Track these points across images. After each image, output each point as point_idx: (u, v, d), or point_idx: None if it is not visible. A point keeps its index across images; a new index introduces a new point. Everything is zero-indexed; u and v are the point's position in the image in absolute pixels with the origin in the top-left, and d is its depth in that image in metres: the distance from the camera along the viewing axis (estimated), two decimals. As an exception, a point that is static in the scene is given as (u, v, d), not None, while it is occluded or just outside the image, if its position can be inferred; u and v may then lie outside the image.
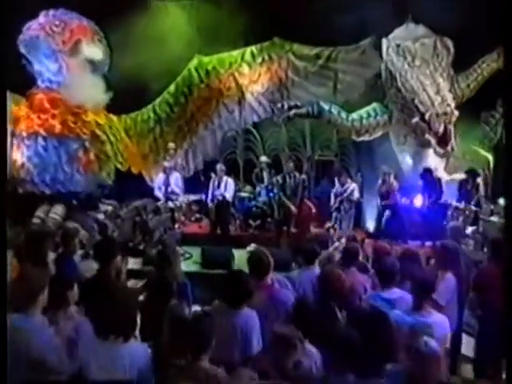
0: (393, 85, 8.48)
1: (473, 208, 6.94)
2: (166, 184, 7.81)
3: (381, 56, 8.28)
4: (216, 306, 3.31)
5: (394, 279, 3.69)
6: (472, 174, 7.72)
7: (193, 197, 6.98)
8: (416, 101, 7.71)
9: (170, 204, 6.80)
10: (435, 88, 7.58)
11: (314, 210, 7.75)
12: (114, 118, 8.13)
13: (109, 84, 7.56)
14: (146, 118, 8.54)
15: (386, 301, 3.56)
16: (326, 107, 8.50)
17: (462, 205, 7.16)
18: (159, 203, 6.84)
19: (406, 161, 8.73)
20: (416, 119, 7.72)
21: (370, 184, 8.75)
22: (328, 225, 6.92)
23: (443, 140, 7.23)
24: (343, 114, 8.60)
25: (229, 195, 7.82)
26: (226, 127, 8.97)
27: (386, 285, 3.65)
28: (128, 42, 7.41)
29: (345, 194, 7.61)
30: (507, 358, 2.87)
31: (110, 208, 7.21)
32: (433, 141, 7.28)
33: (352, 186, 7.73)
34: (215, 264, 6.66)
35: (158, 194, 7.89)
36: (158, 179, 8.07)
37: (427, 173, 7.95)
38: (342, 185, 7.61)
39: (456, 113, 7.29)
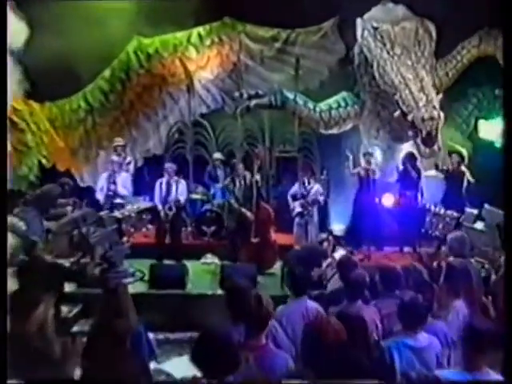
0: (367, 72, 8.06)
1: (454, 214, 6.31)
2: (109, 187, 7.29)
3: (355, 38, 7.93)
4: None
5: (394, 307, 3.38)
6: (456, 156, 7.43)
7: (145, 204, 6.05)
8: (397, 97, 7.28)
9: (117, 213, 5.79)
10: (419, 84, 7.12)
11: (272, 214, 7.20)
12: (36, 105, 7.66)
13: (29, 68, 7.20)
14: (75, 108, 8.21)
15: (413, 349, 3.12)
16: (291, 96, 8.05)
17: (441, 210, 6.37)
18: (102, 213, 5.80)
19: (376, 156, 8.39)
20: (398, 113, 7.30)
21: (336, 182, 8.51)
22: (322, 236, 6.20)
23: (429, 140, 6.82)
24: (310, 105, 8.23)
25: (183, 199, 7.39)
26: (171, 119, 8.70)
27: (410, 328, 3.19)
28: (53, 21, 7.11)
29: (309, 197, 7.23)
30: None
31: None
32: (417, 140, 6.75)
33: (316, 187, 7.39)
34: (166, 282, 6.32)
35: (100, 197, 7.33)
36: (100, 179, 7.45)
37: (410, 158, 7.58)
38: (304, 185, 7.26)
39: (442, 117, 6.88)
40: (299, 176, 7.51)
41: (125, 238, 5.30)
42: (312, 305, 3.64)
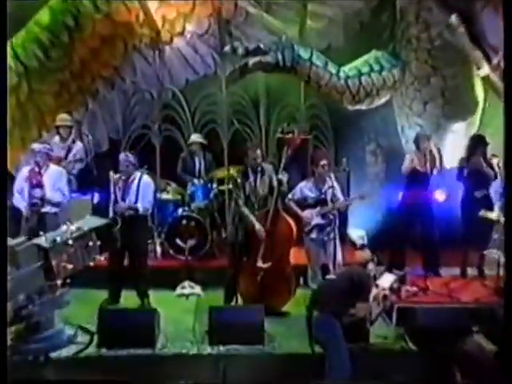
0: (418, 21, 7.07)
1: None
2: (32, 191, 5.99)
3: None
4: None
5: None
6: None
7: (92, 221, 4.34)
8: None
9: (41, 240, 4.10)
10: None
11: (294, 230, 6.00)
12: None
13: None
14: (0, 68, 7.26)
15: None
16: (305, 55, 6.99)
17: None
18: (15, 241, 4.11)
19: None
20: (486, 70, 6.49)
21: (357, 177, 7.72)
22: (365, 253, 5.77)
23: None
24: (331, 68, 7.16)
25: (148, 205, 6.15)
26: (142, 87, 7.90)
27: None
28: None
29: (331, 200, 6.00)
30: None
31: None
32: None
33: (333, 184, 6.15)
34: (125, 338, 5.09)
35: (21, 206, 6.09)
36: (19, 178, 6.23)
37: (479, 144, 6.55)
38: (321, 183, 6.03)
39: None
40: (315, 168, 6.13)
41: (58, 281, 4.02)
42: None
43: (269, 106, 8.04)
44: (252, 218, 5.86)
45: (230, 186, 6.24)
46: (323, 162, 6.04)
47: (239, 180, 5.91)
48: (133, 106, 7.94)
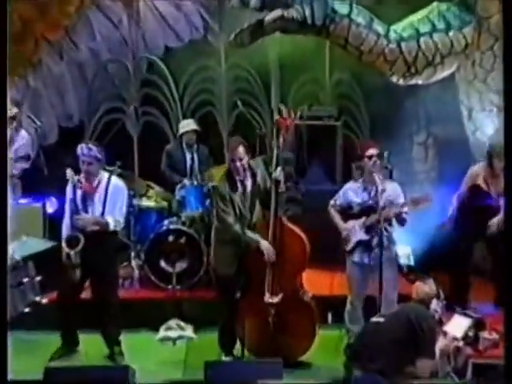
0: None
1: None
2: None
3: None
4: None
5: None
6: None
7: (32, 246, 5.17)
8: None
9: None
10: None
11: (308, 249, 5.78)
12: None
13: None
14: None
15: None
16: (343, 9, 6.66)
17: None
18: None
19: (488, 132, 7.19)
20: None
21: (401, 176, 7.30)
22: (426, 283, 5.04)
23: None
24: (378, 26, 6.84)
25: (120, 217, 5.82)
26: (106, 56, 7.94)
27: None
28: None
29: (381, 207, 5.69)
30: None
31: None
32: None
33: (391, 186, 5.90)
34: None
35: None
36: None
37: None
38: (366, 186, 5.85)
39: None
40: (363, 164, 5.91)
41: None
42: None
43: (283, 82, 8.02)
44: (252, 236, 5.59)
45: (217, 200, 6.00)
46: (371, 152, 5.71)
47: (223, 190, 5.64)
48: (92, 82, 7.85)
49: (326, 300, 6.20)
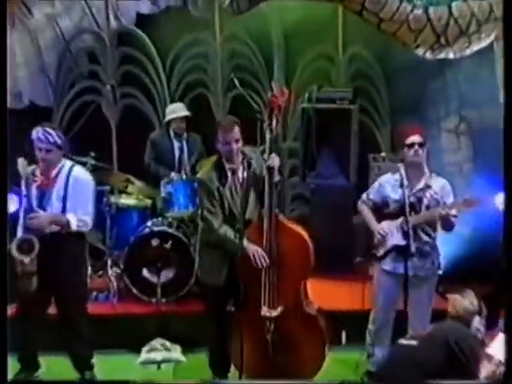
0: None
1: None
2: None
3: None
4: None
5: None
6: None
7: None
8: None
9: None
10: None
11: (311, 247, 5.65)
12: None
13: None
14: None
15: None
16: None
17: None
18: None
19: None
20: None
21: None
22: (467, 297, 4.95)
23: None
24: None
25: (85, 216, 5.67)
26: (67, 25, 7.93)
27: None
28: None
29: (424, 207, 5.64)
30: None
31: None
32: None
33: (438, 183, 5.78)
34: None
35: None
36: None
37: None
38: (410, 180, 5.76)
39: None
40: (402, 153, 5.75)
41: None
42: None
43: (288, 58, 7.96)
44: (234, 239, 5.46)
45: (200, 193, 5.92)
46: (413, 140, 5.53)
47: (211, 184, 5.50)
48: (61, 57, 7.76)
49: (339, 316, 6.11)
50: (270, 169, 5.36)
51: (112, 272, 6.91)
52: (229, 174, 5.46)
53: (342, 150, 7.43)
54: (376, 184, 5.78)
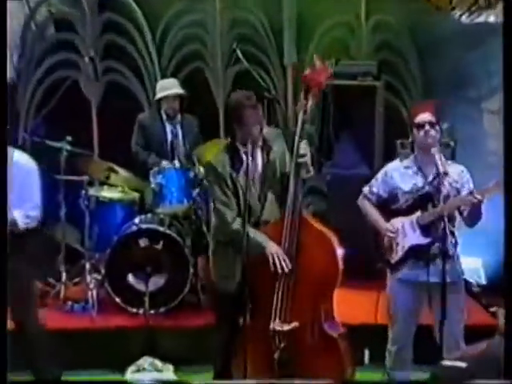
0: None
1: None
2: None
3: None
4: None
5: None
6: None
7: None
8: None
9: None
10: None
11: (341, 270, 5.49)
12: None
13: None
14: None
15: None
16: None
17: None
18: None
19: None
20: None
21: (467, 156, 7.07)
22: None
23: None
24: None
25: (34, 211, 5.75)
26: None
27: None
28: None
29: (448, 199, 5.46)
30: None
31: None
32: None
33: (459, 170, 5.60)
34: None
35: None
36: None
37: None
38: (420, 167, 5.61)
39: None
40: (413, 135, 5.56)
41: None
42: None
43: (301, 27, 7.96)
44: (256, 236, 5.27)
45: (210, 181, 5.78)
46: (424, 118, 5.34)
47: (222, 169, 5.30)
48: (25, 24, 7.80)
49: (361, 331, 6.02)
50: (300, 158, 5.21)
51: (91, 278, 6.78)
52: (244, 158, 5.27)
53: (365, 135, 7.34)
54: (380, 174, 5.57)
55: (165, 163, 6.98)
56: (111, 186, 7.17)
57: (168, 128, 7.22)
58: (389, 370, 5.46)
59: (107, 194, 7.13)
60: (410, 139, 5.62)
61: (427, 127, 5.29)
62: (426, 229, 5.29)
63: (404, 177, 5.39)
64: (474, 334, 5.13)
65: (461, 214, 5.55)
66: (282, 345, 5.27)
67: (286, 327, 5.25)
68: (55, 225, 7.33)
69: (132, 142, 7.23)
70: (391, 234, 5.32)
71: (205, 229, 7.07)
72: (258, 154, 5.40)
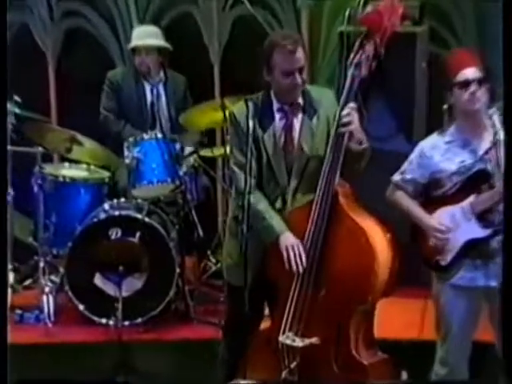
0: None
1: None
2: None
3: None
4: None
5: None
6: None
7: None
8: None
9: None
10: None
11: (382, 277, 5.27)
12: None
13: None
14: None
15: None
16: None
17: None
18: None
19: None
20: None
21: None
22: None
23: None
24: None
25: None
26: None
27: None
28: None
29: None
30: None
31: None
32: None
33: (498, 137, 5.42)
34: None
35: None
36: None
37: None
38: (467, 140, 5.31)
39: None
40: (452, 98, 5.16)
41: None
42: None
43: None
44: (276, 224, 4.97)
45: (232, 141, 5.41)
46: (468, 75, 4.93)
47: (245, 124, 4.93)
48: None
49: (397, 347, 5.68)
50: (342, 128, 4.83)
51: (46, 280, 6.60)
52: (277, 117, 5.00)
53: (402, 98, 6.96)
54: (415, 156, 5.24)
55: (143, 135, 6.79)
56: (74, 161, 6.98)
57: (147, 88, 7.06)
58: None
59: (69, 172, 6.92)
60: (447, 103, 5.19)
61: (473, 87, 4.87)
62: (483, 218, 4.99)
63: (447, 154, 5.07)
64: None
65: None
66: (294, 364, 4.95)
67: (300, 343, 4.91)
68: (-1, 212, 7.03)
69: (101, 106, 7.03)
70: (442, 236, 4.98)
71: (195, 217, 7.00)
72: (299, 116, 5.07)
